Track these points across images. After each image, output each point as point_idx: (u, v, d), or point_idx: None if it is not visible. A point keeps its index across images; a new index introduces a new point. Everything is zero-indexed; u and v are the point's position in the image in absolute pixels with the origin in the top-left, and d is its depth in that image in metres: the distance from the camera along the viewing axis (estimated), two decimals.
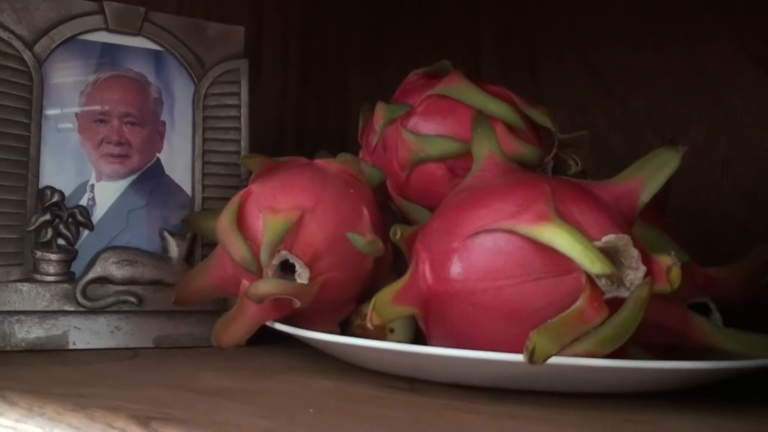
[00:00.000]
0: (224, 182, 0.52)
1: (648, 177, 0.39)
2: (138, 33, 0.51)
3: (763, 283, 0.44)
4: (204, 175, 0.52)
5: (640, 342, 0.37)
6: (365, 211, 0.44)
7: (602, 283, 0.34)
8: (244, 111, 0.53)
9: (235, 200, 0.45)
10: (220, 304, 0.50)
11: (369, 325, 0.35)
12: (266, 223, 0.42)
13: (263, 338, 0.46)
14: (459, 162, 0.44)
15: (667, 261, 0.33)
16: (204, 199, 0.52)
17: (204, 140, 0.52)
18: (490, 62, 0.67)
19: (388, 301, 0.37)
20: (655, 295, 0.35)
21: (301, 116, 0.71)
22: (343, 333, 0.44)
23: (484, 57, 0.67)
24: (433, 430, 0.31)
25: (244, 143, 0.53)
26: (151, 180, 0.51)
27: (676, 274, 0.33)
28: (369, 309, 0.36)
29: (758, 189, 0.57)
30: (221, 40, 0.54)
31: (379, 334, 0.44)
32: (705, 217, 0.57)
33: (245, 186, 0.51)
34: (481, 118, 0.41)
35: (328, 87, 0.73)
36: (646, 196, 0.38)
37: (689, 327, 0.41)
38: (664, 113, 0.59)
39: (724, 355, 0.40)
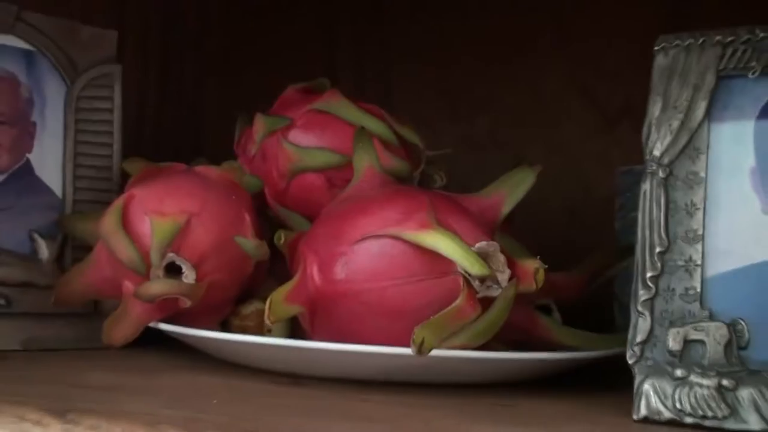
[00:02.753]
0: (96, 185, 0.52)
1: (508, 192, 0.44)
2: (9, 32, 0.51)
3: (595, 287, 0.51)
4: (75, 177, 0.52)
5: (497, 338, 0.43)
6: (247, 217, 0.47)
7: (476, 284, 0.39)
8: (117, 115, 0.54)
9: (118, 203, 0.46)
10: (91, 306, 0.50)
11: (267, 322, 0.38)
12: (155, 226, 0.43)
13: (137, 340, 0.47)
14: (336, 173, 0.48)
15: (534, 264, 0.39)
16: (75, 201, 0.52)
17: (76, 142, 0.52)
18: (345, 78, 0.71)
19: (281, 301, 0.40)
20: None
21: (158, 122, 0.72)
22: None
23: (341, 77, 0.70)
24: (330, 414, 0.34)
25: (116, 147, 0.53)
26: (20, 180, 0.50)
27: (541, 275, 0.38)
28: (266, 307, 0.38)
29: (583, 207, 0.65)
30: (94, 43, 0.54)
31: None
32: (539, 230, 0.64)
33: (117, 189, 0.52)
34: (362, 133, 0.45)
35: (185, 94, 0.74)
36: (506, 208, 0.44)
37: (535, 325, 0.47)
38: (505, 134, 0.65)
39: (564, 349, 0.46)
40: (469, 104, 0.66)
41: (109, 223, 0.45)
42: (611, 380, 0.44)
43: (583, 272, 0.49)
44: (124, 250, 0.43)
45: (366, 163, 0.45)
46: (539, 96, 0.65)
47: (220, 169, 0.48)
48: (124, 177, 0.51)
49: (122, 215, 0.45)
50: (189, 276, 0.43)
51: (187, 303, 0.43)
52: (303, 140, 0.49)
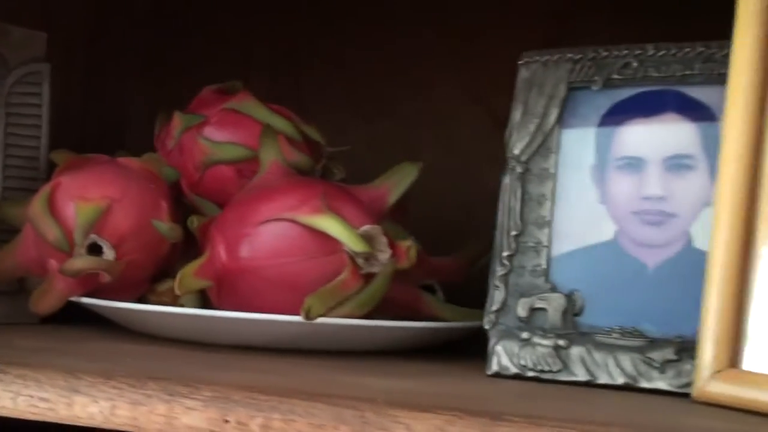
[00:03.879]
0: (24, 174, 0.57)
1: (394, 184, 0.51)
2: None
3: (474, 270, 0.57)
4: (5, 166, 0.57)
5: (387, 314, 0.49)
6: (164, 204, 0.52)
7: (360, 261, 0.45)
8: (45, 110, 0.59)
9: (45, 190, 0.51)
10: (16, 285, 0.55)
11: (177, 292, 0.44)
12: (79, 210, 0.48)
13: (62, 317, 0.52)
14: (246, 166, 0.53)
15: (408, 243, 0.45)
16: (4, 188, 0.56)
17: (6, 134, 0.57)
18: (260, 79, 0.76)
19: (190, 275, 0.45)
20: (397, 275, 0.47)
21: (83, 118, 0.76)
22: None
23: (255, 78, 0.76)
24: (231, 368, 0.40)
25: (44, 140, 0.58)
26: None
27: (413, 253, 0.45)
28: (176, 280, 0.44)
29: (473, 201, 0.71)
30: (25, 43, 0.59)
31: None
32: (434, 221, 0.70)
33: (44, 178, 0.56)
34: (269, 130, 0.51)
35: (109, 92, 0.78)
36: (392, 198, 0.50)
37: (420, 302, 0.53)
38: (406, 135, 0.71)
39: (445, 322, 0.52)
40: (373, 107, 0.72)
41: (36, 207, 0.50)
42: (481, 349, 0.51)
43: (464, 257, 0.56)
44: (51, 231, 0.48)
45: (271, 157, 0.51)
46: (437, 101, 0.71)
47: (140, 160, 0.53)
48: (52, 167, 0.56)
49: (49, 201, 0.50)
50: (109, 255, 0.49)
51: (107, 278, 0.48)
52: (216, 136, 0.54)
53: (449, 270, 0.56)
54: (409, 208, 0.60)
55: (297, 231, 0.46)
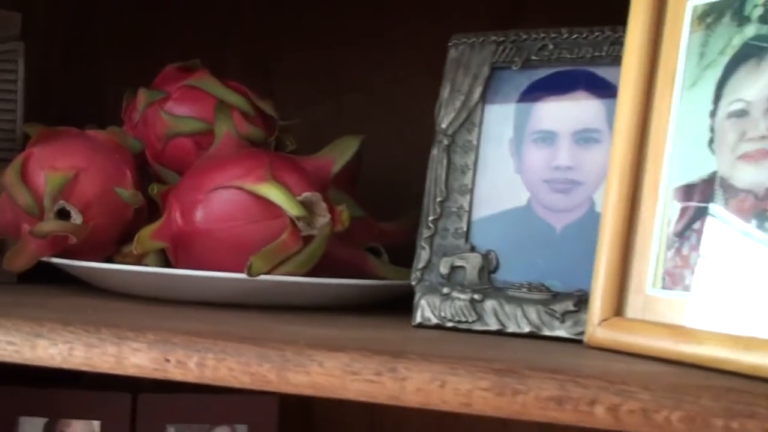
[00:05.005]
0: (1, 146, 0.62)
1: (338, 155, 0.55)
2: None
3: (415, 234, 0.62)
4: None
5: (337, 274, 0.53)
6: (128, 172, 0.57)
7: (301, 224, 0.50)
8: (21, 86, 0.63)
9: (18, 160, 0.55)
10: None
11: (134, 252, 0.49)
12: (48, 179, 0.53)
13: (32, 278, 0.57)
14: (204, 138, 0.58)
15: (341, 208, 0.50)
16: None
17: None
18: (233, 60, 0.81)
19: (147, 236, 0.50)
20: (345, 238, 0.52)
21: (62, 94, 0.81)
22: None
23: (229, 59, 0.80)
24: (186, 319, 0.45)
25: (19, 113, 0.62)
26: None
27: (346, 217, 0.50)
28: (134, 240, 0.49)
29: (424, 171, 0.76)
30: (1, 24, 0.63)
31: None
32: (388, 189, 0.75)
33: (20, 149, 0.61)
34: (222, 106, 0.55)
35: (87, 69, 0.83)
36: (336, 168, 0.55)
37: (366, 263, 0.58)
38: (363, 110, 0.76)
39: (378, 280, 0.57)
40: (335, 86, 0.77)
41: (10, 176, 0.54)
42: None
43: (406, 222, 0.61)
44: (22, 197, 0.53)
45: (225, 130, 0.55)
46: (396, 80, 0.75)
47: (106, 132, 0.58)
48: (27, 139, 0.60)
49: (22, 170, 0.55)
50: (76, 219, 0.53)
51: (74, 240, 0.53)
52: (177, 110, 0.59)
53: (393, 234, 0.61)
54: (357, 176, 0.65)
55: (243, 197, 0.50)
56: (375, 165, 0.67)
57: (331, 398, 0.36)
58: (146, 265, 0.56)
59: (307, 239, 0.50)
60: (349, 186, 0.61)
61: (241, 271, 0.49)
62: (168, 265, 0.55)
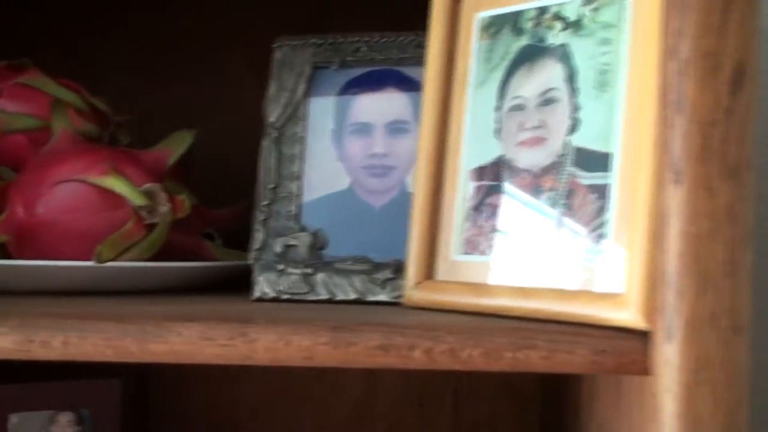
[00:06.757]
0: None
1: (173, 148, 0.60)
2: None
3: (248, 219, 0.67)
4: None
5: (175, 259, 0.58)
6: None
7: (143, 213, 0.54)
8: None
9: None
10: None
11: None
12: None
13: None
14: (38, 135, 0.60)
15: (182, 197, 0.55)
16: None
17: None
18: (54, 54, 0.81)
19: None
20: (181, 226, 0.57)
21: None
22: None
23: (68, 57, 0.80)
24: (41, 304, 0.48)
25: None
26: None
27: (186, 204, 0.54)
28: None
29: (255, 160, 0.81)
30: None
31: None
32: (222, 178, 0.79)
33: None
34: (58, 102, 0.58)
35: None
36: (171, 160, 0.59)
37: (202, 248, 0.63)
38: (195, 103, 0.79)
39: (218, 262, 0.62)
40: (165, 79, 0.80)
41: None
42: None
43: (238, 208, 0.66)
44: None
45: (61, 126, 0.58)
46: (223, 74, 0.80)
47: None
48: None
49: None
50: None
51: None
52: (9, 107, 0.60)
53: (226, 220, 0.66)
54: (191, 168, 0.69)
55: (87, 190, 0.54)
56: (206, 156, 0.71)
57: (169, 381, 0.41)
58: None
59: (150, 227, 0.54)
60: (183, 177, 0.66)
61: (89, 260, 0.52)
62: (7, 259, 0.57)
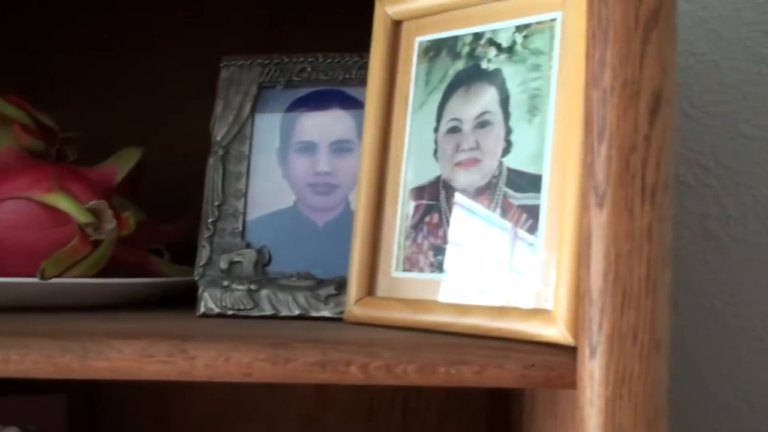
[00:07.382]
0: None
1: (121, 165, 0.60)
2: None
3: (192, 236, 0.68)
4: None
5: (122, 275, 0.58)
6: None
7: (89, 230, 0.54)
8: None
9: None
10: None
11: None
12: None
13: None
14: None
15: (127, 214, 0.55)
16: None
17: None
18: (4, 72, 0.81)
19: None
20: (128, 241, 0.57)
21: None
22: None
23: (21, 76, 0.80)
24: None
25: None
26: None
27: (132, 221, 0.55)
28: None
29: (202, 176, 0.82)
30: None
31: None
32: (169, 194, 0.80)
33: None
34: (3, 119, 0.58)
35: None
36: (118, 177, 0.59)
37: (150, 264, 0.63)
38: (144, 119, 0.80)
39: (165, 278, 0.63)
40: (113, 95, 0.80)
41: None
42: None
43: (185, 224, 0.67)
44: None
45: (6, 143, 0.58)
46: (171, 92, 0.80)
47: None
48: None
49: None
50: None
51: None
52: None
53: (174, 235, 0.66)
54: (139, 184, 0.70)
55: (32, 207, 0.54)
56: (155, 172, 0.72)
57: (118, 395, 0.42)
58: None
59: (96, 243, 0.55)
60: (131, 193, 0.66)
61: (35, 276, 0.52)
62: None
